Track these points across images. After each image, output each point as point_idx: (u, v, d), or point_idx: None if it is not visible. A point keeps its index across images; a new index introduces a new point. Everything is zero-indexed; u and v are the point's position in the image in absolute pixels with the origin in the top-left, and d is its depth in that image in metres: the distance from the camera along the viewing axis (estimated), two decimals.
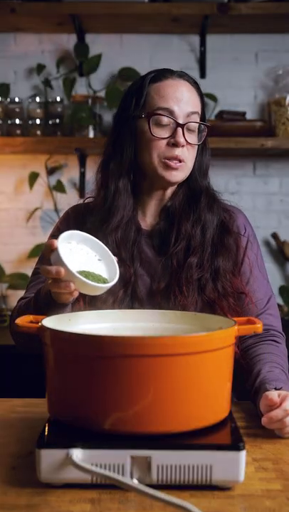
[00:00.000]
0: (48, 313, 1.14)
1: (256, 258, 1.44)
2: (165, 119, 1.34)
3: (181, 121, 1.34)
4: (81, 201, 1.52)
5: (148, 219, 1.44)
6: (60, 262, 1.07)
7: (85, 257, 1.15)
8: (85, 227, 1.33)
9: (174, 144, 1.34)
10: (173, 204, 1.42)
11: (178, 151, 1.34)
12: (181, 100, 1.34)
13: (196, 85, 1.39)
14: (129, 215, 1.38)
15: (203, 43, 2.79)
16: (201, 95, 1.41)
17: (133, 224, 1.39)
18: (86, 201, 1.48)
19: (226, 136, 2.55)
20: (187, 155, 1.36)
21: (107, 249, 1.17)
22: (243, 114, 2.74)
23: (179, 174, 1.36)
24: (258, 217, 2.81)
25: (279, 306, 1.47)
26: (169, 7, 2.56)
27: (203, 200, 1.41)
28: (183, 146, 1.34)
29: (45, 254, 1.12)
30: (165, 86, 1.35)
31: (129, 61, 2.79)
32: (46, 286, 1.17)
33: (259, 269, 1.44)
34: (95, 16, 2.62)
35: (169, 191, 1.42)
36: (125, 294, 1.35)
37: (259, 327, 1.04)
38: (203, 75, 2.79)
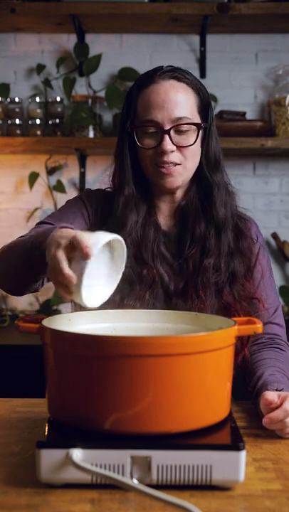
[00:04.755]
0: (35, 263, 1.15)
1: (267, 267, 1.45)
2: (151, 129, 1.33)
3: (166, 127, 1.31)
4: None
5: (164, 220, 1.43)
6: (80, 272, 0.95)
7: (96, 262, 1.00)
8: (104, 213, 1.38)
9: (162, 152, 1.32)
10: (186, 204, 1.40)
11: (166, 157, 1.32)
12: (166, 107, 1.31)
13: (190, 83, 1.35)
14: (144, 218, 1.38)
15: (203, 43, 2.79)
16: (199, 92, 1.36)
17: (151, 224, 1.39)
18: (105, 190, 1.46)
19: (225, 136, 2.55)
20: (182, 157, 1.33)
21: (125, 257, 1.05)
22: (243, 114, 2.74)
23: (175, 179, 1.34)
24: (258, 217, 2.79)
25: None
26: (169, 7, 2.56)
27: (216, 196, 1.38)
28: (172, 151, 1.32)
29: (77, 241, 0.96)
30: (150, 93, 1.33)
31: (129, 61, 2.79)
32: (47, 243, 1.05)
33: (269, 278, 1.44)
34: (95, 16, 2.61)
35: (179, 192, 1.40)
36: (150, 296, 1.34)
37: (259, 327, 1.04)
38: (203, 75, 2.79)
